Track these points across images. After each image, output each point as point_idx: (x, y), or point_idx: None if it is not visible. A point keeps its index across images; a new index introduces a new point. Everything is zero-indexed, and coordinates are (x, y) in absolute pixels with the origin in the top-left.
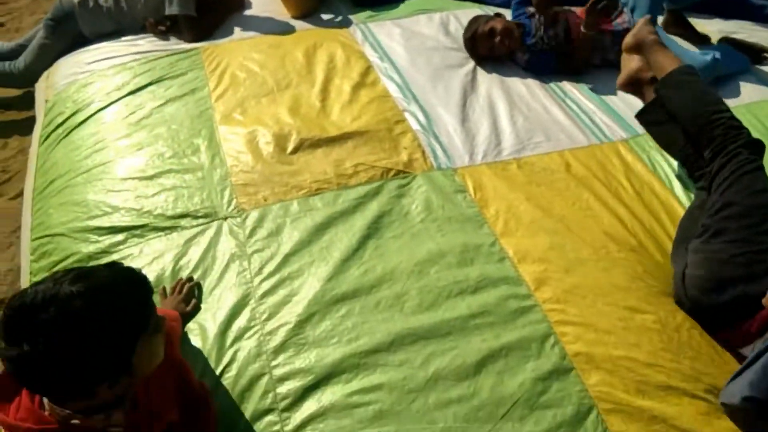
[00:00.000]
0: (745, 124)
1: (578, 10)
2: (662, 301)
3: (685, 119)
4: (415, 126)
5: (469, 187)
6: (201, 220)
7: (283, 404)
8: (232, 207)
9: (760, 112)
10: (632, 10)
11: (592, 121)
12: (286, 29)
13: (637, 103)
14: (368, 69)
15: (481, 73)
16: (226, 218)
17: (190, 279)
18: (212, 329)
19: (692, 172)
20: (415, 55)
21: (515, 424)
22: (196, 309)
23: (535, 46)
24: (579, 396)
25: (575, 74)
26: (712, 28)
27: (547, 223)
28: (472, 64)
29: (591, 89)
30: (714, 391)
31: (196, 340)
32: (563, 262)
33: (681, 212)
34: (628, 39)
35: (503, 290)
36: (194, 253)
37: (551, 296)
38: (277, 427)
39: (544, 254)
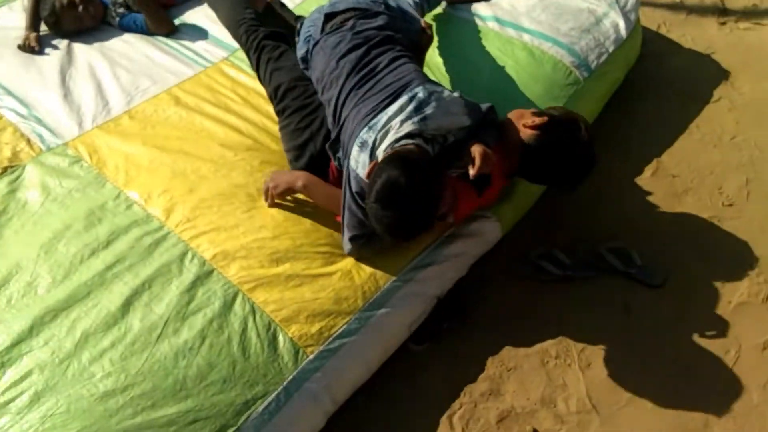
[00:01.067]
0: None
1: None
2: None
3: (227, 28)
4: (14, 119)
5: (84, 155)
6: None
7: None
8: None
9: None
10: None
11: (195, 52)
12: None
13: None
14: None
15: (78, 46)
16: None
17: None
18: None
19: None
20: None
21: (171, 339)
22: None
23: (119, 6)
24: (224, 289)
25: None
26: None
27: (166, 157)
28: (65, 41)
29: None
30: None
31: None
32: (186, 185)
33: None
34: None
35: (135, 233)
36: None
37: (182, 218)
38: None
39: (167, 185)
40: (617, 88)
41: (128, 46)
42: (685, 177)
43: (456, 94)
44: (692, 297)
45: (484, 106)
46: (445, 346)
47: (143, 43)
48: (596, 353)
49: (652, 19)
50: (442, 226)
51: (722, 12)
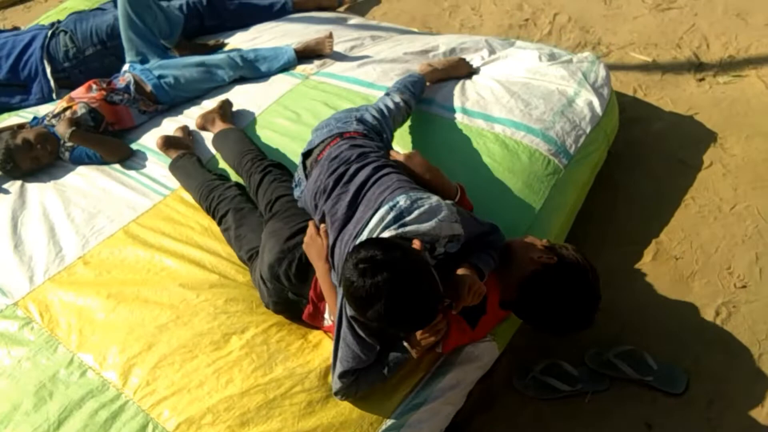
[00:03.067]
0: None
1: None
2: (249, 320)
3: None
4: None
5: (35, 314)
6: None
7: None
8: None
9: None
10: (141, 62)
11: (153, 179)
12: None
13: None
14: None
15: (32, 186)
16: None
17: None
18: None
19: None
20: None
21: None
22: None
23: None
24: None
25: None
26: (236, 41)
27: (122, 308)
28: (18, 182)
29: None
30: (317, 379)
31: None
32: (145, 340)
33: None
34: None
35: (90, 406)
36: None
37: (140, 382)
38: None
39: (124, 343)
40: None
41: (83, 179)
42: (688, 258)
43: (447, 202)
44: (720, 404)
45: (487, 223)
46: None
47: (98, 175)
48: None
49: (626, 83)
50: (432, 357)
51: (698, 67)
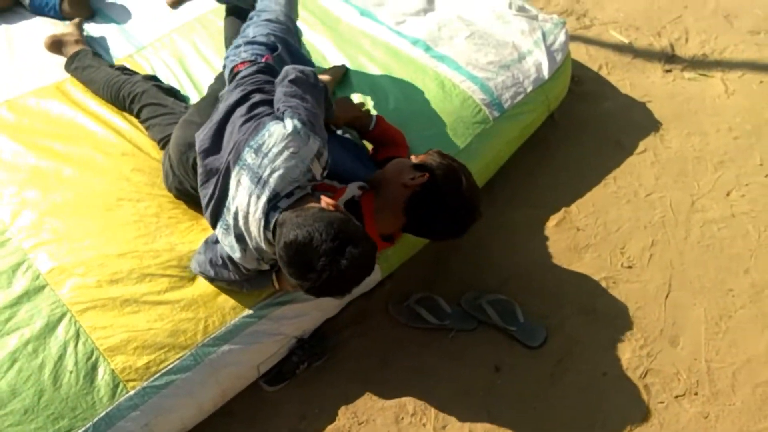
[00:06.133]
0: None
1: None
2: (147, 192)
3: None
4: None
5: None
6: None
7: None
8: None
9: None
10: None
11: (100, 45)
12: None
13: None
14: None
15: None
16: None
17: None
18: None
19: None
20: None
21: None
22: None
23: None
24: (50, 308)
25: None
26: None
27: (30, 155)
28: None
29: None
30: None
31: None
32: (43, 187)
33: None
34: None
35: None
36: None
37: (27, 223)
38: None
39: (23, 185)
40: (537, 129)
41: (36, 32)
42: (589, 231)
43: (288, 119)
44: (567, 363)
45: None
46: (298, 391)
47: (51, 29)
48: (455, 414)
49: (595, 58)
50: None
51: (669, 59)
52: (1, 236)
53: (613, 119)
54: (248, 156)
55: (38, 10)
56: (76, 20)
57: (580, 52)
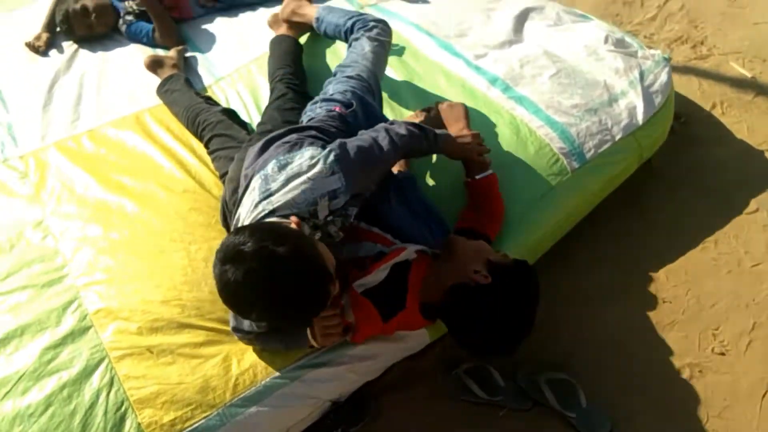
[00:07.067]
0: None
1: None
2: (202, 233)
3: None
4: None
5: (31, 170)
6: None
7: None
8: None
9: None
10: None
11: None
12: None
13: None
14: None
15: (83, 52)
16: None
17: None
18: None
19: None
20: None
21: (16, 399)
22: None
23: (128, 14)
24: (91, 352)
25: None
26: None
27: (99, 188)
28: (75, 46)
29: None
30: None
31: None
32: (106, 223)
33: None
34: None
35: (37, 268)
36: None
37: (85, 261)
38: None
39: (87, 220)
40: (631, 177)
41: (128, 57)
42: (678, 305)
43: (329, 149)
44: None
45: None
46: None
47: (144, 57)
48: None
49: (709, 95)
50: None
51: None
52: (59, 272)
53: (722, 169)
54: (271, 168)
55: (134, 37)
56: (180, 47)
57: (692, 88)
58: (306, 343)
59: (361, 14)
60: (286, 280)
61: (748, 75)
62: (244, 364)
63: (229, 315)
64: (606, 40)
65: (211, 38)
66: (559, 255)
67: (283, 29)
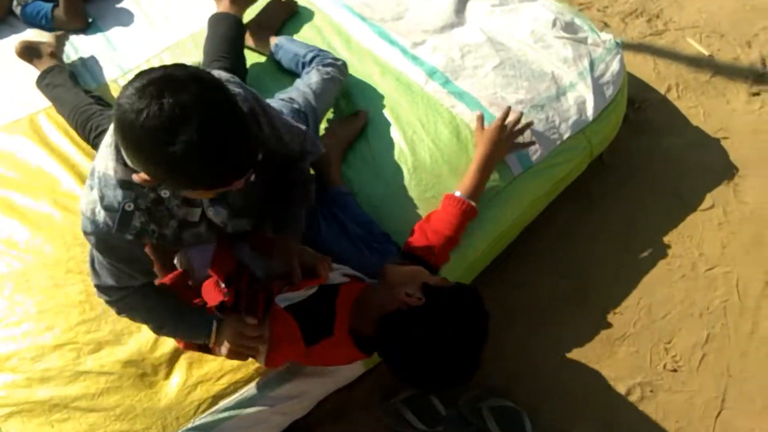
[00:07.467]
0: None
1: None
2: None
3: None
4: None
5: None
6: None
7: None
8: None
9: None
10: None
11: (87, 67)
12: None
13: None
14: None
15: None
16: None
17: None
18: None
19: None
20: None
21: None
22: None
23: None
24: None
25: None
26: None
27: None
28: None
29: None
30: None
31: None
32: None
33: None
34: None
35: None
36: None
37: None
38: None
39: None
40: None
41: None
42: (628, 316)
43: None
44: None
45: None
46: None
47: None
48: None
49: (665, 76)
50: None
51: (759, 78)
52: None
53: (675, 161)
54: None
55: (31, 19)
56: (59, 33)
57: (647, 68)
58: (204, 336)
59: (323, 51)
60: (232, 98)
61: (706, 53)
62: (150, 415)
63: (90, 274)
64: (554, 24)
65: (117, 21)
66: (499, 267)
67: (224, 4)
